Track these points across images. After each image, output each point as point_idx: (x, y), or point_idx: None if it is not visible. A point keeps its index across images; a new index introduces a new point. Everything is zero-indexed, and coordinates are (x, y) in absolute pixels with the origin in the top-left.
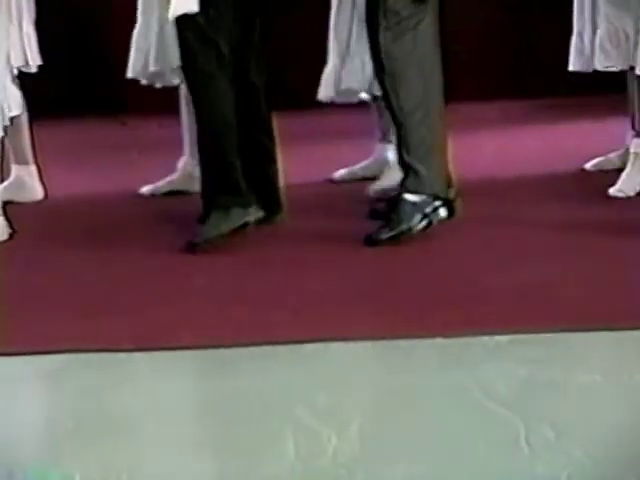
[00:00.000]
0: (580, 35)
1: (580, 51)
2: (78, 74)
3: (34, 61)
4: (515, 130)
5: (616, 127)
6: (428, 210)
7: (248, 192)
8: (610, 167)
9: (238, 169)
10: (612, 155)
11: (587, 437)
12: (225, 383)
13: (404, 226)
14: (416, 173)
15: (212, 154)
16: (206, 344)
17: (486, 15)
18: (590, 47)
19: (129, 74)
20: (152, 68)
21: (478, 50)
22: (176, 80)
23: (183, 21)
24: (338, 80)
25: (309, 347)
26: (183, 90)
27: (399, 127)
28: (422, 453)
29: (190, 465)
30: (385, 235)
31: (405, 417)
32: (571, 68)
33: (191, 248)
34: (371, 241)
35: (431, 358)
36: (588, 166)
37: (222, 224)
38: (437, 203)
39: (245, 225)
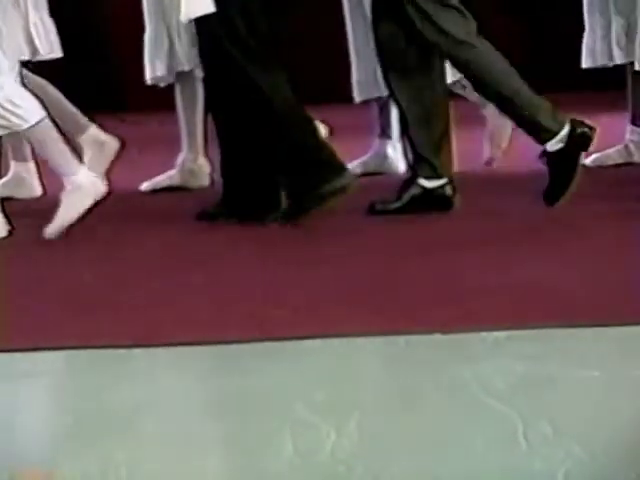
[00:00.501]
0: (592, 32)
1: (592, 48)
2: (78, 72)
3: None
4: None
5: (616, 123)
6: None
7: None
8: (610, 162)
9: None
10: (611, 151)
11: (585, 433)
12: (224, 380)
13: None
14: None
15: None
16: (205, 341)
17: (489, 14)
18: (602, 43)
19: (150, 80)
20: (186, 68)
21: None
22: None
23: (202, 22)
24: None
25: (307, 343)
26: (179, 88)
27: (508, 102)
28: (421, 449)
29: (189, 462)
30: None
31: (404, 413)
32: (584, 65)
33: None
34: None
35: (429, 354)
36: (587, 162)
37: None
38: None
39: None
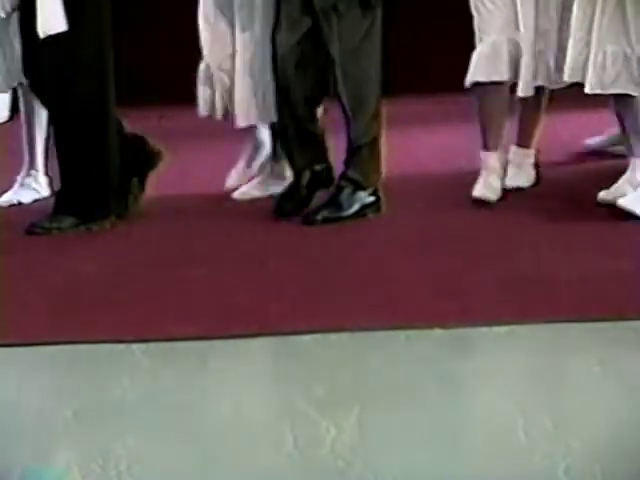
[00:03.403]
0: None
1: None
2: None
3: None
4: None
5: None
6: None
7: None
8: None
9: None
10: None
11: (585, 428)
12: (224, 373)
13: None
14: None
15: None
16: (204, 335)
17: None
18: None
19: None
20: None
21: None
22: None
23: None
24: None
25: (307, 338)
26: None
27: None
28: (420, 444)
29: (188, 454)
30: None
31: (404, 408)
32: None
33: None
34: None
35: (429, 349)
36: (591, 142)
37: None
38: None
39: None
